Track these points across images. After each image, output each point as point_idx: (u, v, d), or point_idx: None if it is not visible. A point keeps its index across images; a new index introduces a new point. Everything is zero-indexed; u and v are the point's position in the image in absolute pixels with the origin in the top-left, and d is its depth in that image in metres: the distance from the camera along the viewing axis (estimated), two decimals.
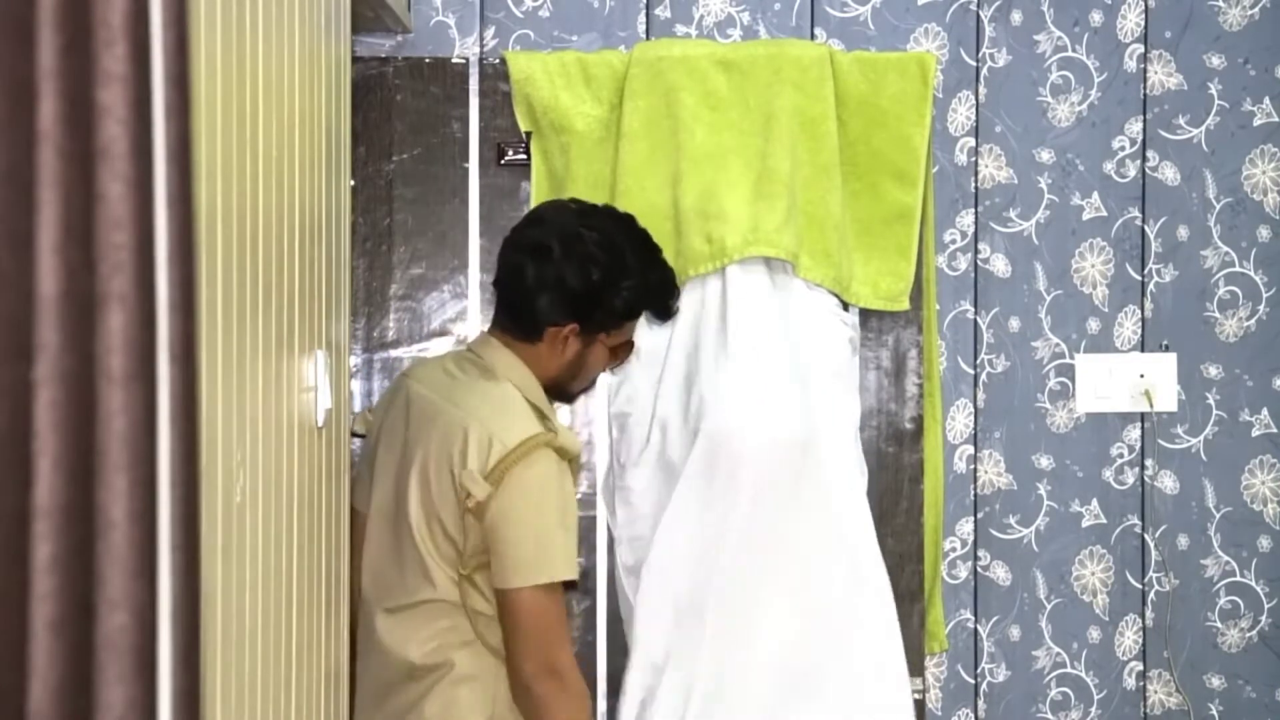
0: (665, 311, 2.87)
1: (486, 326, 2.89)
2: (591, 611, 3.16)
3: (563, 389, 2.82)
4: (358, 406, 3.12)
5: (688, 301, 3.09)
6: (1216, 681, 3.42)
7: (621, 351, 2.84)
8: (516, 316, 2.72)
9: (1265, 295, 3.41)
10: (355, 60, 2.94)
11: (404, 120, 3.17)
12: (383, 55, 3.24)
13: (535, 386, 2.71)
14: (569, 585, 2.73)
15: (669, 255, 3.09)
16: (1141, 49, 3.40)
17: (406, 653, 2.64)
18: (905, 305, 3.18)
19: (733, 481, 3.01)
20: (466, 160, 3.17)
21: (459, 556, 2.60)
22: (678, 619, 3.01)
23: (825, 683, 2.99)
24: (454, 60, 3.20)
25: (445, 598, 2.62)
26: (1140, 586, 3.41)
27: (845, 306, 3.17)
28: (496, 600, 2.60)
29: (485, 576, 2.62)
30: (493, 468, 2.56)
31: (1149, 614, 3.41)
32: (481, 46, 3.32)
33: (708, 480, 3.01)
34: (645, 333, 3.11)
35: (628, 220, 2.80)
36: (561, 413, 3.14)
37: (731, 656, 2.98)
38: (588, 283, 2.68)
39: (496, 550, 2.58)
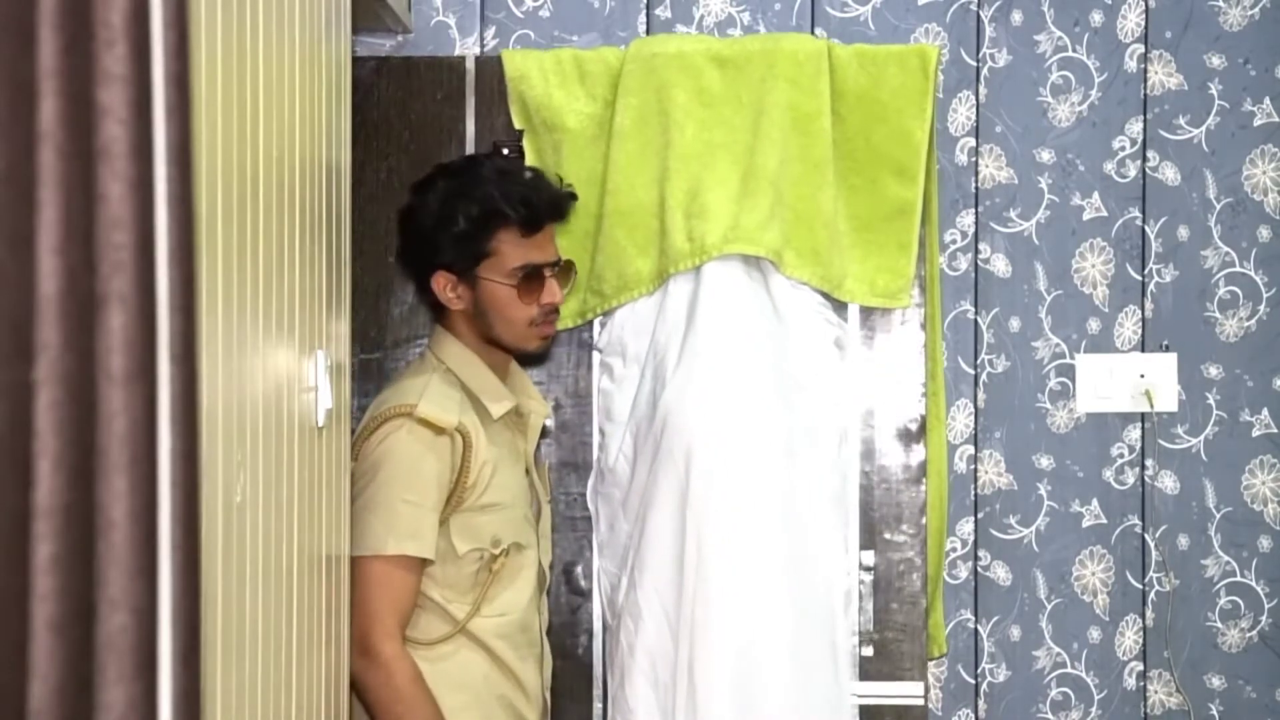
0: (524, 210, 2.70)
1: None
2: (589, 611, 3.15)
3: (498, 342, 2.76)
4: (358, 407, 3.12)
5: (669, 302, 3.07)
6: (1217, 682, 3.42)
7: (533, 284, 2.72)
8: (422, 301, 2.93)
9: (1265, 295, 3.41)
10: (355, 60, 2.93)
11: (404, 120, 3.17)
12: (383, 55, 3.23)
13: (471, 360, 2.72)
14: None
15: (654, 253, 3.08)
16: (1142, 49, 3.39)
17: None
18: (905, 302, 3.15)
19: (701, 487, 2.97)
20: None
21: None
22: (658, 628, 2.99)
23: (775, 683, 2.97)
24: (454, 60, 3.20)
25: None
26: (1140, 587, 3.41)
27: (843, 307, 3.16)
28: None
29: None
30: (353, 442, 2.59)
31: (1149, 614, 3.41)
32: (482, 46, 3.32)
33: (679, 485, 2.97)
34: (632, 336, 3.10)
35: (444, 164, 2.87)
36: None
37: (701, 655, 2.96)
38: (421, 228, 2.74)
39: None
